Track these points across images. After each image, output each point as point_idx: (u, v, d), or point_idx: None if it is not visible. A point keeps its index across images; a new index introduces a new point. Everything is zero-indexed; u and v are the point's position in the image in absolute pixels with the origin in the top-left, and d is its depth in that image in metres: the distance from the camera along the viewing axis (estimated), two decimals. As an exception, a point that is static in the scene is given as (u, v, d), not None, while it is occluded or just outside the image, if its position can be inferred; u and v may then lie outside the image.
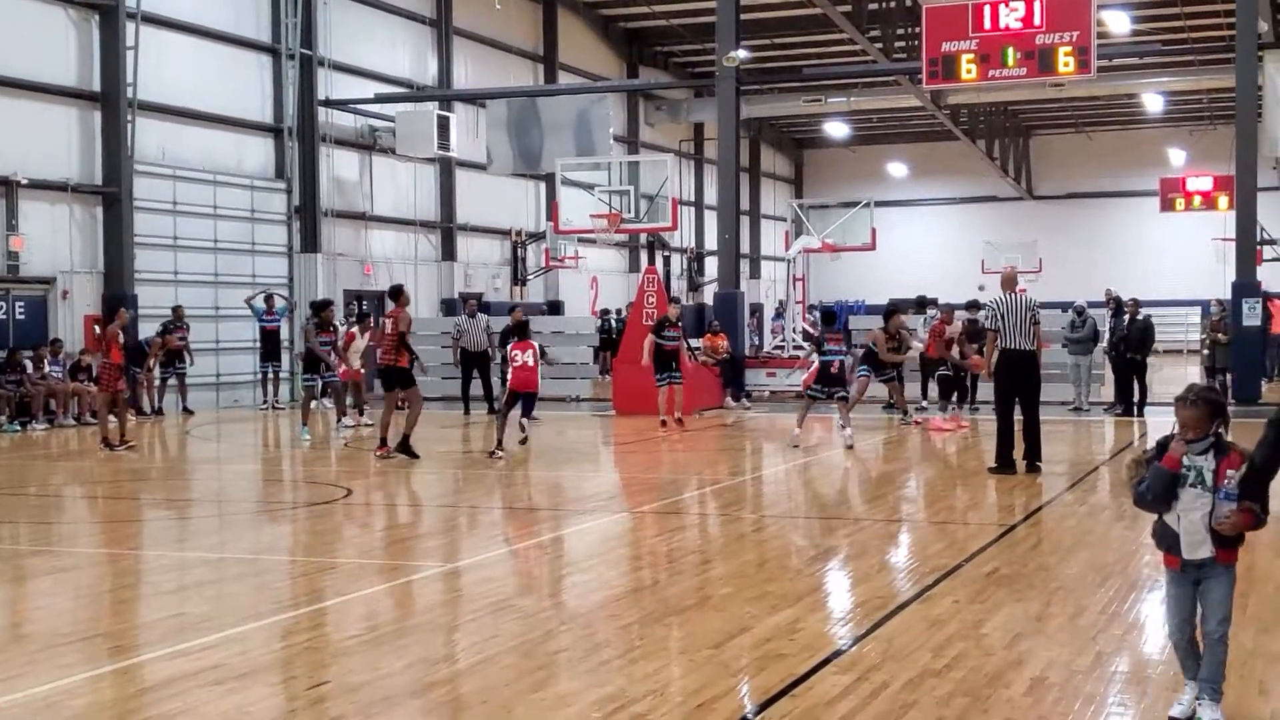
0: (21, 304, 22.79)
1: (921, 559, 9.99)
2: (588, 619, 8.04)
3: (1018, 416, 14.52)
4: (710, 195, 43.83)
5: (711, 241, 42.28)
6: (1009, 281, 14.96)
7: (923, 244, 51.98)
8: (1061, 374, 23.65)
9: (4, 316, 22.48)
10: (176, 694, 6.46)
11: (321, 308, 20.47)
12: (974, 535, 10.94)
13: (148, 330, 23.91)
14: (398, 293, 16.81)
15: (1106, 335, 23.46)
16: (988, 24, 22.99)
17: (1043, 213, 52.07)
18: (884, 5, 33.22)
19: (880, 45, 33.59)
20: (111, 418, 18.44)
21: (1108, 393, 23.60)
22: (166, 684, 6.65)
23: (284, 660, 7.23)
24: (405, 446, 16.10)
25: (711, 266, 41.52)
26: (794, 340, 29.37)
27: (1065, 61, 22.84)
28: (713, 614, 8.01)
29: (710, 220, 43.62)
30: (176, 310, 24.24)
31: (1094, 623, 7.72)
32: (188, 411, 24.14)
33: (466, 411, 23.05)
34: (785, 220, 47.41)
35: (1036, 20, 22.85)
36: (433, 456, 16.87)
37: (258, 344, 25.86)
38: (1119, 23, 33.59)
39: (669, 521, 12.15)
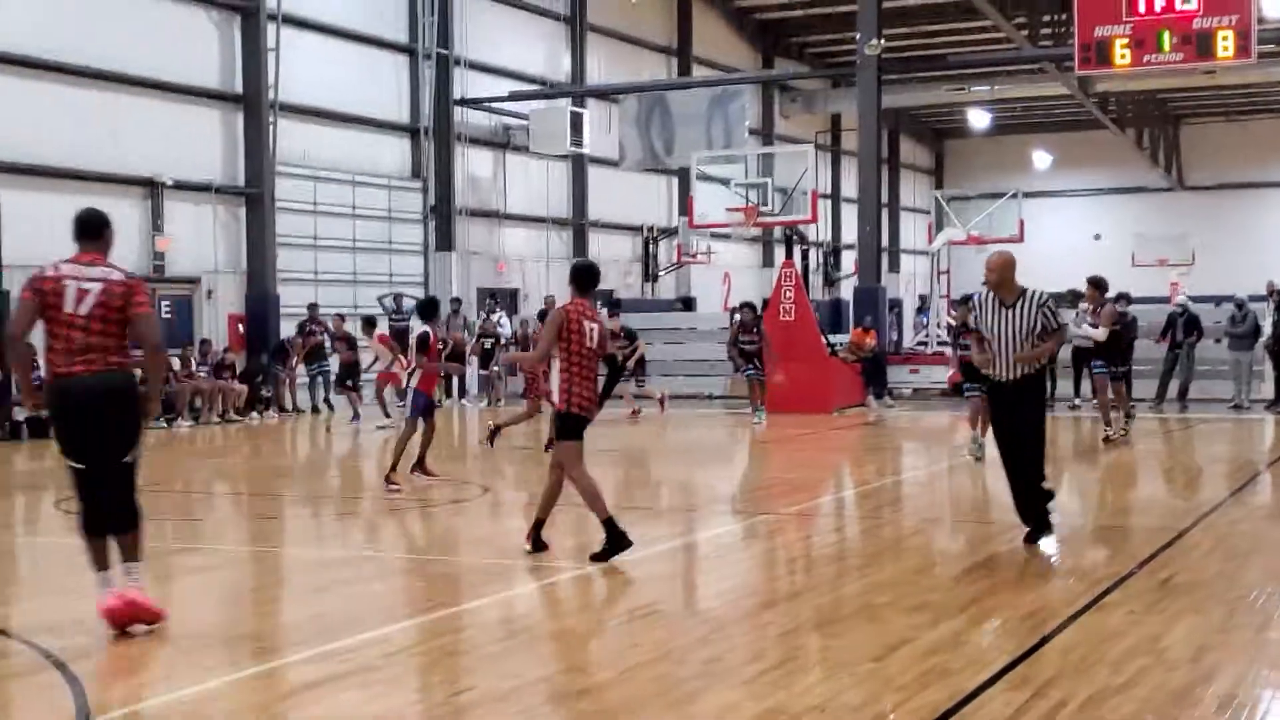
0: (167, 303, 23.17)
1: (1089, 566, 9.46)
2: (737, 628, 7.69)
3: None
4: (846, 188, 43.17)
5: (848, 235, 41.71)
6: (994, 270, 9.68)
7: (1069, 236, 50.52)
8: (1220, 370, 22.81)
9: (151, 315, 22.83)
10: (320, 699, 6.28)
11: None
12: (1143, 541, 10.36)
13: (289, 329, 24.17)
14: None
15: (1269, 329, 22.46)
16: (1142, 8, 22.14)
17: (1194, 204, 50.34)
18: (1029, -10, 32.30)
19: (1026, 32, 32.68)
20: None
21: (1268, 389, 22.62)
22: (310, 688, 6.47)
23: (429, 664, 7.01)
24: None
25: (848, 260, 40.91)
26: (938, 336, 28.67)
27: (1224, 46, 21.90)
28: (870, 624, 7.62)
29: (847, 213, 42.96)
30: (311, 308, 24.43)
31: (1285, 637, 7.19)
32: (329, 407, 24.31)
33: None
34: (925, 212, 46.56)
35: (1194, 3, 21.94)
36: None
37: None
38: (1274, 6, 32.19)
39: (814, 524, 11.78)
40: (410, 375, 13.99)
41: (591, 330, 9.44)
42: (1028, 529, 9.74)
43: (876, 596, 8.39)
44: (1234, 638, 7.19)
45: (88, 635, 7.47)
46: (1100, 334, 16.96)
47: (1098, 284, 17.28)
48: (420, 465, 13.88)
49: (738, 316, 20.51)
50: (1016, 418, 9.58)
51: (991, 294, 9.57)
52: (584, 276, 9.70)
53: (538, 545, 9.65)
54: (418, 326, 14.47)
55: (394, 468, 13.50)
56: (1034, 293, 9.54)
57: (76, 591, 8.84)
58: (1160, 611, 7.74)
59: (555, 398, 9.65)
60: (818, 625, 7.66)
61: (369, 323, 22.44)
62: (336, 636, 7.41)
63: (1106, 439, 16.88)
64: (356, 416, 21.83)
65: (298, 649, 7.27)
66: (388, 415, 20.94)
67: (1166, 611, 7.74)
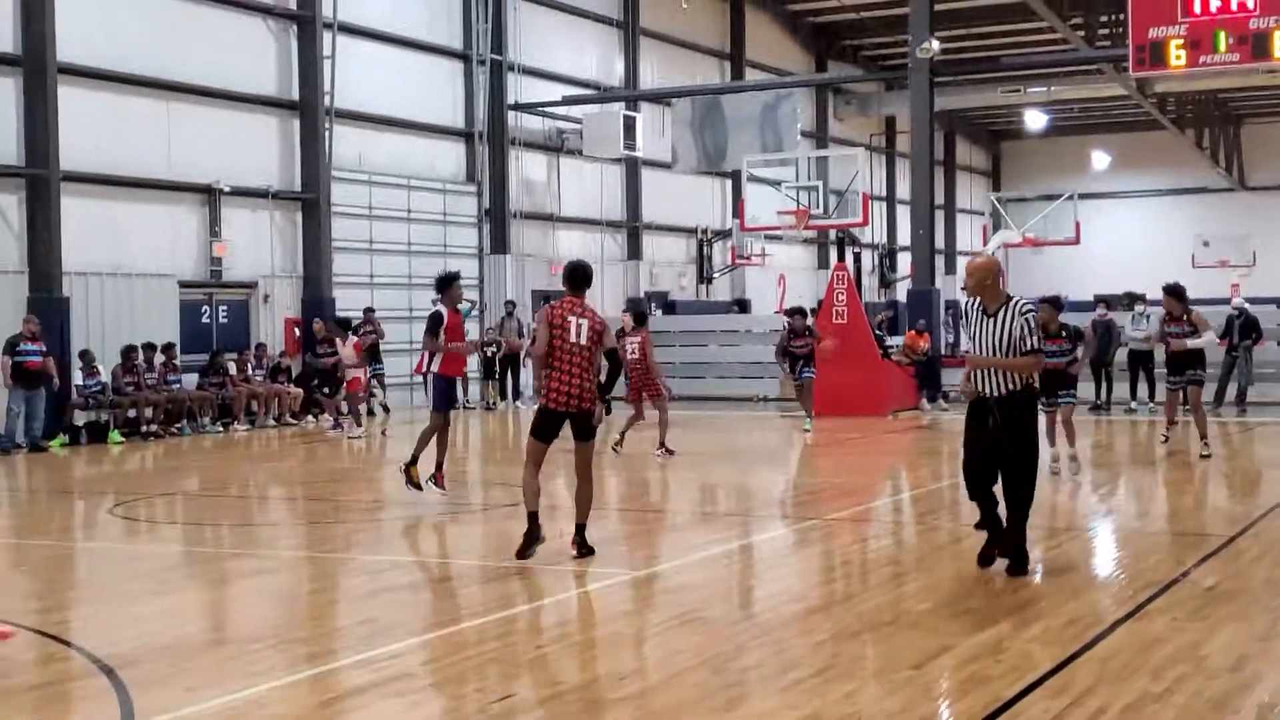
0: (225, 308, 23.47)
1: (1136, 572, 9.42)
2: (779, 634, 7.72)
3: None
4: (902, 190, 43.01)
5: (904, 237, 41.48)
6: (973, 274, 8.98)
7: (1127, 237, 50.06)
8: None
9: (208, 320, 23.18)
10: (361, 706, 6.37)
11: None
12: (1192, 546, 10.30)
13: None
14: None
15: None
16: (1197, 8, 21.89)
17: (1256, 204, 49.68)
18: (1085, -9, 32.07)
19: (1083, 33, 32.42)
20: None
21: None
22: (352, 694, 6.57)
23: (469, 671, 7.09)
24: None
25: (904, 263, 40.73)
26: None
27: (1281, 46, 21.63)
28: (911, 631, 7.63)
29: (903, 215, 42.77)
30: (367, 312, 24.56)
31: (1331, 647, 7.13)
32: (385, 410, 24.49)
33: None
34: (982, 214, 46.46)
35: (1250, 3, 21.68)
36: (611, 457, 16.69)
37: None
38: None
39: (863, 530, 11.76)
40: (432, 358, 12.90)
41: (579, 326, 9.57)
42: (1006, 556, 8.98)
43: (919, 603, 8.39)
44: (1276, 646, 7.15)
45: (137, 640, 7.61)
46: (1210, 338, 15.59)
47: (1176, 292, 15.49)
48: (437, 473, 12.94)
49: (787, 321, 20.28)
50: (1004, 440, 8.74)
51: (977, 301, 8.88)
52: (574, 276, 9.90)
53: (583, 550, 9.74)
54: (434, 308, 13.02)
55: (414, 461, 12.83)
56: (1017, 301, 8.83)
57: (128, 597, 9.03)
58: (1203, 619, 7.69)
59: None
60: (859, 632, 7.67)
61: (342, 324, 21.61)
62: (383, 642, 7.51)
63: (1206, 455, 15.59)
64: (337, 424, 21.24)
65: (344, 654, 7.39)
66: (359, 424, 20.71)
67: (1210, 619, 7.69)
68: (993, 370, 8.72)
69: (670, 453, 16.77)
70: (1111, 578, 9.53)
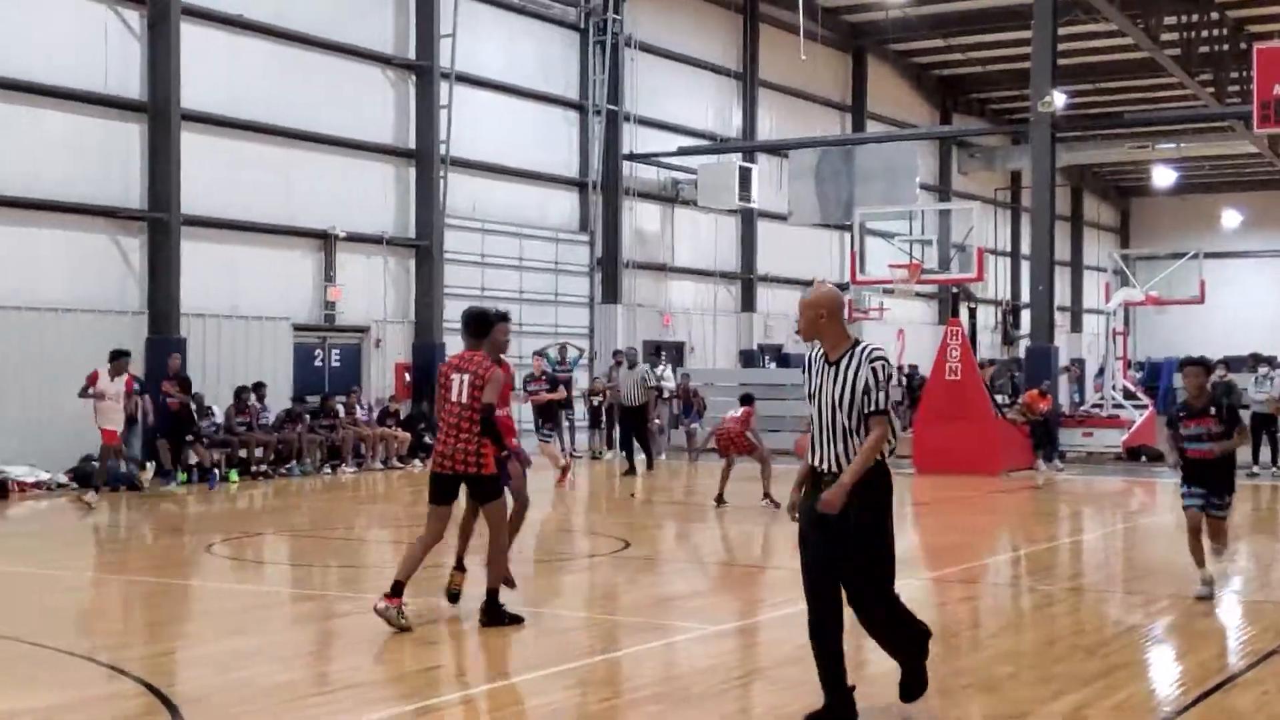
0: (337, 351, 23.83)
1: (1232, 642, 9.01)
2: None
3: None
4: (1027, 245, 42.30)
5: (1027, 294, 40.79)
6: (805, 310, 6.70)
7: (1256, 298, 48.71)
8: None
9: (320, 364, 23.53)
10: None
11: None
12: (1298, 618, 9.83)
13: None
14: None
15: None
16: (1327, 61, 21.29)
17: (1396, 266, 48.14)
18: (1215, 48, 31.38)
19: (1212, 89, 31.71)
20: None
21: None
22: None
23: (526, 722, 6.99)
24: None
25: (1028, 319, 39.97)
26: (1113, 398, 27.77)
27: None
28: (986, 696, 7.35)
29: (1027, 272, 42.05)
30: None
31: None
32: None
33: (631, 470, 22.36)
34: (1107, 271, 45.73)
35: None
36: (708, 510, 16.53)
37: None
38: None
39: (959, 590, 11.42)
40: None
41: (460, 382, 8.98)
42: (827, 704, 6.77)
43: (1000, 667, 8.10)
44: (1374, 727, 6.75)
45: (211, 676, 7.64)
46: None
47: None
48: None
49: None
50: (838, 532, 6.60)
51: (819, 349, 6.71)
52: (468, 325, 9.32)
53: (490, 619, 9.11)
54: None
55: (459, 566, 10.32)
56: (865, 347, 6.59)
57: (206, 634, 9.08)
58: (1298, 695, 7.31)
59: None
60: (932, 696, 7.38)
61: (120, 355, 17.89)
62: (449, 689, 7.48)
63: None
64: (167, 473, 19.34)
65: (406, 700, 7.32)
66: (97, 489, 17.38)
67: (1305, 695, 7.30)
68: (833, 435, 6.59)
69: (776, 505, 16.53)
70: (1205, 647, 9.09)
